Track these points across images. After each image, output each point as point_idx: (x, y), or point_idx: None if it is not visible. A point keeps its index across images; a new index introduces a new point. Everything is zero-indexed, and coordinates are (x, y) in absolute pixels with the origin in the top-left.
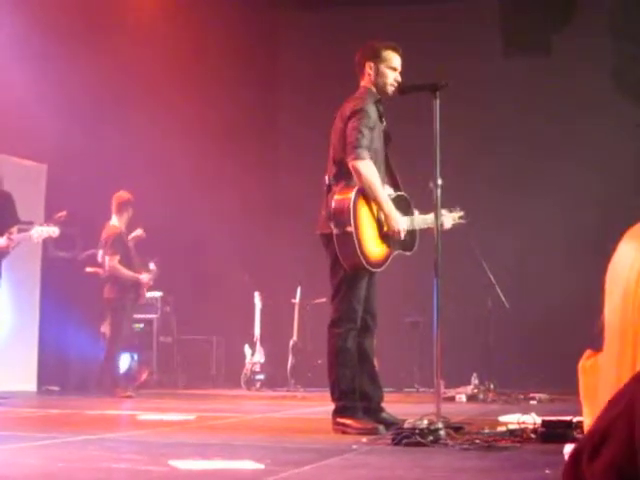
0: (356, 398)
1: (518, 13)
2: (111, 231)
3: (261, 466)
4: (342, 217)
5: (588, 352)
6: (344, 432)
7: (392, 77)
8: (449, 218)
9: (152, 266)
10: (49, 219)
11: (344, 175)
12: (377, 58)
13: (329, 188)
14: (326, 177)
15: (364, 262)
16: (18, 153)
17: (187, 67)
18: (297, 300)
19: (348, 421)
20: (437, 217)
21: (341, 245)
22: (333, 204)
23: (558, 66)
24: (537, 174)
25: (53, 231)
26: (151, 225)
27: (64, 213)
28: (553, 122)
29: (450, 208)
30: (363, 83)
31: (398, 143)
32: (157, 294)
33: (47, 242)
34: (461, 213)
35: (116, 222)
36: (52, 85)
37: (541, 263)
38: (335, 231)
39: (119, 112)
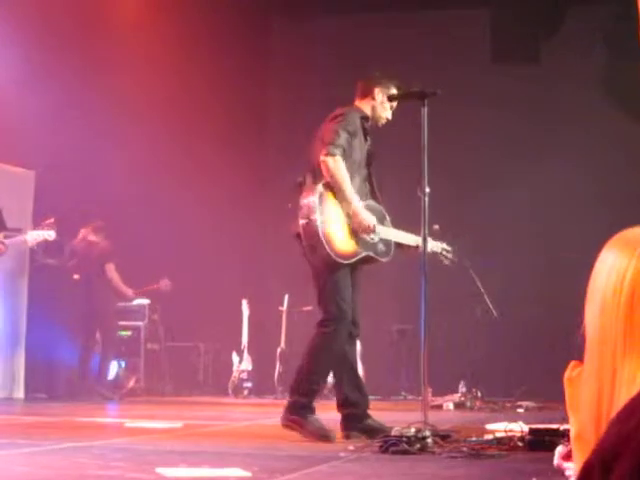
0: (314, 400)
1: (508, 22)
2: (102, 245)
3: (248, 473)
4: (308, 208)
5: (573, 363)
6: (293, 429)
7: (389, 113)
8: (436, 244)
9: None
10: (37, 226)
11: (321, 178)
12: (387, 90)
13: (300, 187)
14: (299, 177)
15: (328, 249)
16: (6, 160)
17: (176, 72)
18: (285, 308)
19: (303, 420)
20: (424, 226)
21: (307, 235)
22: (302, 200)
23: (547, 75)
24: (524, 183)
25: (49, 235)
26: (137, 233)
27: (52, 220)
28: (541, 130)
29: (440, 240)
30: (358, 104)
31: (387, 151)
32: (144, 301)
33: (36, 249)
34: (448, 247)
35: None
36: (40, 92)
37: (528, 272)
38: (302, 222)
39: (107, 119)
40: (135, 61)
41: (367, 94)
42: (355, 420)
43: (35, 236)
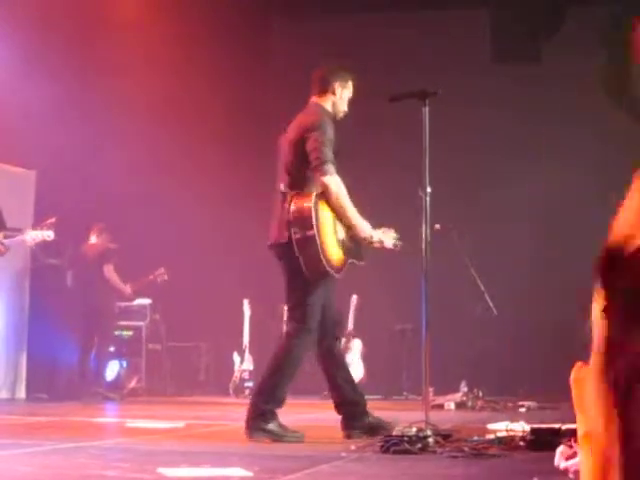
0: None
1: (508, 23)
2: (101, 246)
3: (250, 473)
4: (303, 221)
5: (579, 364)
6: (276, 440)
7: (346, 107)
8: (389, 237)
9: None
10: (38, 225)
11: (298, 183)
12: (345, 83)
13: (284, 196)
14: (281, 185)
15: (326, 266)
16: (7, 160)
17: (176, 72)
18: (286, 308)
19: (275, 429)
20: (425, 224)
21: (302, 249)
22: (292, 209)
23: (547, 74)
24: (524, 182)
25: (48, 235)
26: (138, 233)
27: (53, 220)
28: (540, 130)
29: (384, 229)
30: (320, 101)
31: (388, 151)
32: (146, 301)
33: (36, 249)
34: (396, 235)
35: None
36: (41, 92)
37: (530, 271)
38: (296, 236)
39: (107, 118)
40: (135, 61)
41: (327, 89)
42: (355, 419)
43: (34, 236)
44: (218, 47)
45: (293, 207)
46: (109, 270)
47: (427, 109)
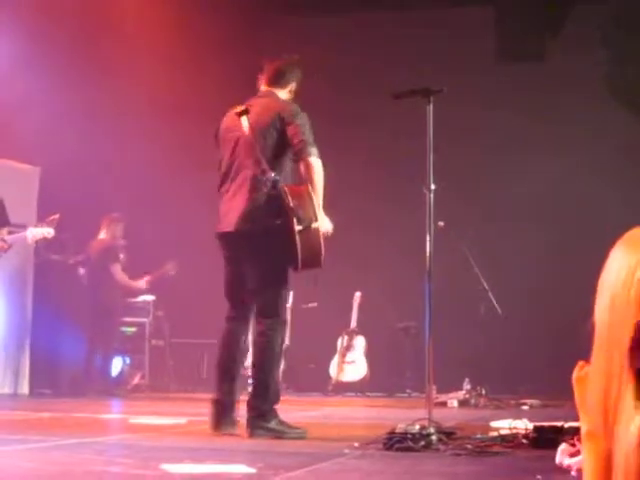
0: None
1: (513, 19)
2: (107, 242)
3: (253, 470)
4: (307, 213)
5: (581, 363)
6: (279, 437)
7: None
8: (326, 221)
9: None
10: (42, 222)
11: (273, 168)
12: (298, 82)
13: (259, 182)
14: (270, 174)
15: (322, 257)
16: (11, 156)
17: (181, 70)
18: (289, 305)
19: (277, 426)
20: (430, 223)
21: (305, 241)
22: (292, 200)
23: (551, 72)
24: (528, 180)
25: (48, 232)
26: (143, 228)
27: (57, 216)
28: (544, 128)
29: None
30: (276, 91)
31: (393, 147)
32: (149, 297)
33: (39, 245)
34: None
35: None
36: (47, 89)
37: (534, 268)
38: (298, 228)
39: (113, 116)
40: (139, 58)
41: (283, 85)
42: (232, 411)
43: (34, 233)
44: (220, 46)
45: (293, 199)
46: (117, 271)
47: (431, 107)
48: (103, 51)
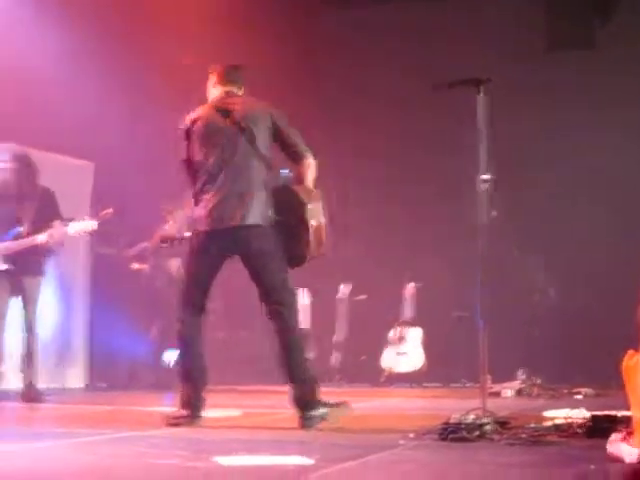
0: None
1: (562, 8)
2: (165, 235)
3: (311, 461)
4: (318, 209)
5: (630, 352)
6: (325, 420)
7: None
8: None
9: None
10: (94, 216)
11: (268, 165)
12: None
13: (284, 181)
14: (281, 170)
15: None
16: (67, 151)
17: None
18: (342, 296)
19: (324, 410)
20: (484, 213)
21: (317, 235)
22: (304, 197)
23: (602, 60)
24: (582, 169)
25: (91, 225)
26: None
27: (110, 211)
28: (596, 117)
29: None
30: (243, 93)
31: (444, 137)
32: None
33: (92, 239)
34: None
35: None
36: (103, 85)
37: (589, 259)
38: (312, 223)
39: (162, 113)
40: (185, 55)
41: (241, 83)
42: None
43: (76, 227)
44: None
45: (303, 194)
46: (174, 267)
47: (482, 96)
48: (148, 47)
